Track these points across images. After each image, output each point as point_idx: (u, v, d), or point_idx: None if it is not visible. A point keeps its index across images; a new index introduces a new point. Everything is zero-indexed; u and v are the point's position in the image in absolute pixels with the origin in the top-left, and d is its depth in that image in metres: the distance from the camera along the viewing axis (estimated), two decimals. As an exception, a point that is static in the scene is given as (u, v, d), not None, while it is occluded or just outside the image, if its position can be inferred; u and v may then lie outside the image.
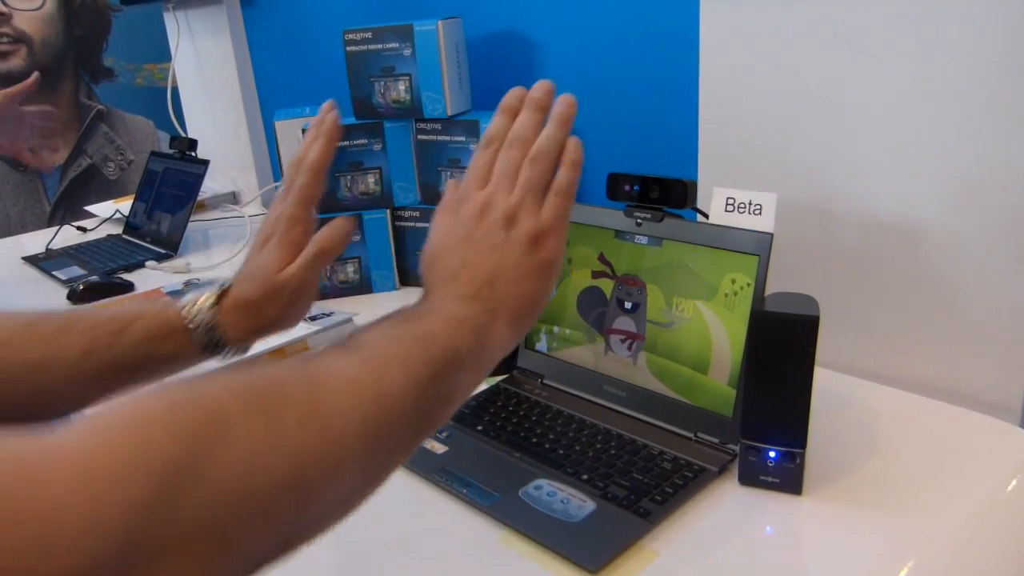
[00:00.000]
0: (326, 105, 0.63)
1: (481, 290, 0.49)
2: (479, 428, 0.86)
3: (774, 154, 0.93)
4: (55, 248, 1.71)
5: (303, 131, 1.23)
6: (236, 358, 0.64)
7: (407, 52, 1.16)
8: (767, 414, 0.72)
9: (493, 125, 0.55)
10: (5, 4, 3.10)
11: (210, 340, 0.61)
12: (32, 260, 1.65)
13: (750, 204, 0.78)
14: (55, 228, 1.80)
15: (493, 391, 0.94)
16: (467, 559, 0.69)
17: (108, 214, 1.88)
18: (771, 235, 0.75)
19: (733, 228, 0.78)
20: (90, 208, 1.98)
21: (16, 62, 3.50)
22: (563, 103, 0.54)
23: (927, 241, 0.84)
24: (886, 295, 0.89)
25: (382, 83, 1.20)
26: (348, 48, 1.20)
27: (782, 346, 0.70)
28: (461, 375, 0.46)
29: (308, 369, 0.42)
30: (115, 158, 3.52)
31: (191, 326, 0.60)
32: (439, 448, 0.83)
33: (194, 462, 0.32)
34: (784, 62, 0.89)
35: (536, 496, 0.74)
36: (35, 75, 2.04)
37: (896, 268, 0.87)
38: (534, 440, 0.83)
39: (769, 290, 0.76)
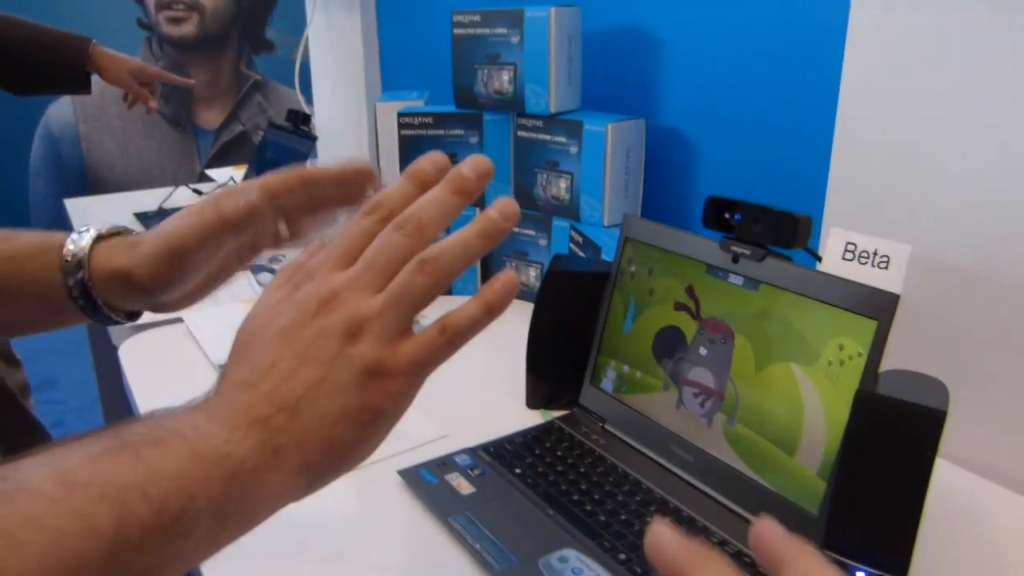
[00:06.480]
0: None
1: (275, 416, 0.35)
2: (517, 471, 0.74)
3: (916, 199, 0.75)
4: (167, 207, 1.73)
5: (397, 115, 1.15)
6: (116, 323, 0.55)
7: (515, 40, 1.05)
8: (861, 524, 0.57)
9: (389, 191, 0.39)
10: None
11: (81, 285, 0.52)
12: (142, 217, 1.67)
13: (875, 254, 0.62)
14: (171, 188, 1.83)
15: (546, 429, 0.82)
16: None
17: (224, 180, 1.90)
18: (897, 296, 0.59)
19: (850, 281, 0.62)
20: (210, 172, 2.01)
21: (188, 28, 3.72)
22: (502, 208, 0.38)
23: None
24: (1046, 389, 0.70)
25: (485, 71, 1.10)
26: (455, 31, 1.11)
27: (892, 442, 0.55)
28: (180, 544, 0.32)
29: None
30: (265, 128, 3.69)
31: (64, 252, 0.51)
32: (466, 488, 0.72)
33: None
34: (945, 88, 0.72)
35: (558, 570, 0.61)
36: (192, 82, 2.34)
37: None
38: (575, 497, 0.70)
39: (886, 365, 0.60)
